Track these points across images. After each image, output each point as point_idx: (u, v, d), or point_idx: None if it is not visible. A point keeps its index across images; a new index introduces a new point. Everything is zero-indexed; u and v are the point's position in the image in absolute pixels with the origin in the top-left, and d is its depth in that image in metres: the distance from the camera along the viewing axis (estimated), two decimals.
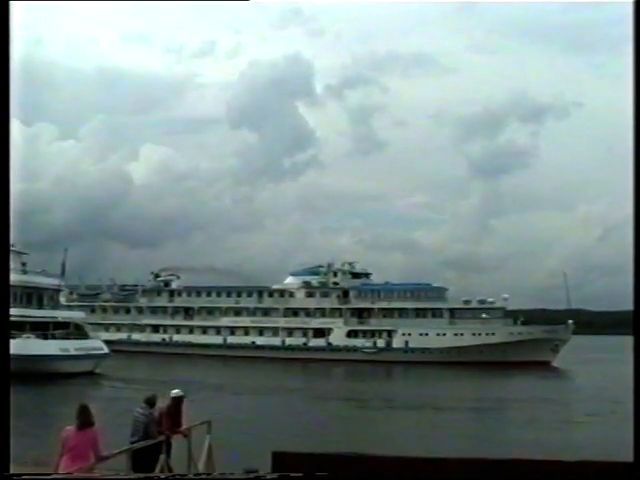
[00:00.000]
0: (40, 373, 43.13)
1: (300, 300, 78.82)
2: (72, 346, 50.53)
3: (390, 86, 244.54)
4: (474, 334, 69.35)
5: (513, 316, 73.83)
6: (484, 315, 71.29)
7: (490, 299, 72.70)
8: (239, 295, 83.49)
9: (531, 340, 67.73)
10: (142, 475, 8.70)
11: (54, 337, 51.31)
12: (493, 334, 69.02)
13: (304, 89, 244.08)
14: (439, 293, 75.10)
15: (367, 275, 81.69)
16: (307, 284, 79.27)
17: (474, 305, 72.57)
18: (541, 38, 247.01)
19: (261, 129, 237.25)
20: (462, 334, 69.72)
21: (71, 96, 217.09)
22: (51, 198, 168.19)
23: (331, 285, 78.31)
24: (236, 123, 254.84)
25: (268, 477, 6.04)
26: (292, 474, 5.70)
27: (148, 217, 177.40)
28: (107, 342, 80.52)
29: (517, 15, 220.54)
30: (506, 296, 73.31)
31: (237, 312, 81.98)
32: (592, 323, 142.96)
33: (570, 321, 69.42)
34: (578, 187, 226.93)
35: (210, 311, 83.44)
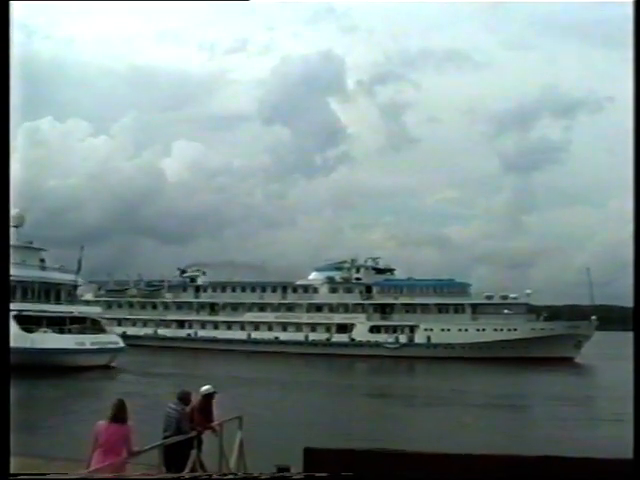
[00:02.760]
0: (56, 366, 43.77)
1: (323, 296, 78.59)
2: (88, 340, 51.17)
3: (422, 82, 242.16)
4: (496, 330, 68.55)
5: (537, 312, 72.94)
6: (506, 311, 70.25)
7: (513, 295, 71.79)
8: (263, 291, 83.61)
9: (553, 336, 66.74)
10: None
11: (70, 331, 51.81)
12: (515, 330, 68.17)
13: (336, 85, 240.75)
14: (462, 289, 74.38)
15: (391, 271, 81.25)
16: (330, 280, 78.92)
17: (496, 301, 71.69)
18: (574, 33, 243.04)
19: (293, 125, 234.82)
20: (484, 330, 68.96)
21: (104, 93, 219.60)
22: (84, 194, 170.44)
23: (354, 281, 78.00)
24: (268, 119, 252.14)
25: (294, 477, 5.98)
26: (318, 474, 5.61)
27: (180, 213, 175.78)
28: (134, 337, 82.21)
29: (550, 11, 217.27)
30: (529, 291, 72.33)
31: (261, 308, 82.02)
32: (623, 319, 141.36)
33: (593, 317, 68.22)
34: (610, 182, 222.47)
35: (235, 307, 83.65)
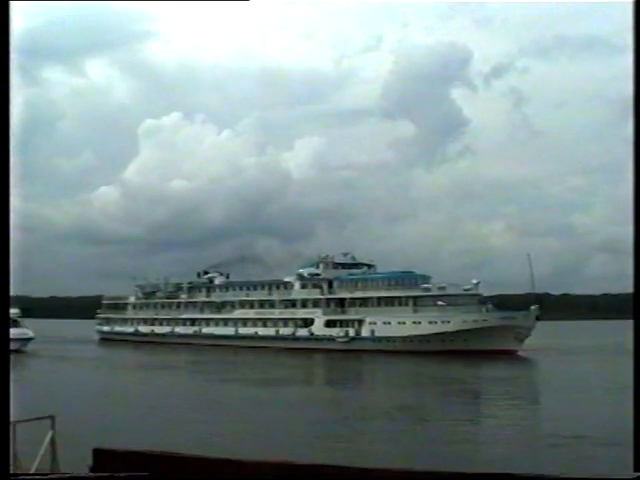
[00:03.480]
0: None
1: (296, 292, 78.45)
2: None
3: (552, 70, 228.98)
4: (431, 322, 65.56)
5: (487, 302, 67.34)
6: (439, 302, 65.92)
7: (467, 286, 67.10)
8: (263, 288, 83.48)
9: (488, 328, 62.46)
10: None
11: None
12: (448, 322, 64.71)
13: (460, 76, 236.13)
14: (414, 281, 70.32)
15: (369, 266, 78.50)
16: (300, 276, 78.78)
17: (435, 292, 67.54)
18: None
19: (416, 119, 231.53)
20: (420, 322, 66.12)
21: (233, 94, 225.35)
22: (209, 195, 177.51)
23: (322, 276, 77.16)
24: (391, 113, 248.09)
25: (89, 476, 6.10)
26: (115, 474, 5.75)
27: (302, 211, 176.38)
28: (156, 335, 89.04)
29: None
30: (475, 281, 67.61)
31: (251, 305, 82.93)
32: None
33: (533, 307, 63.61)
34: None
35: (233, 304, 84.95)
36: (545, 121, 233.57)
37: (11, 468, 9.00)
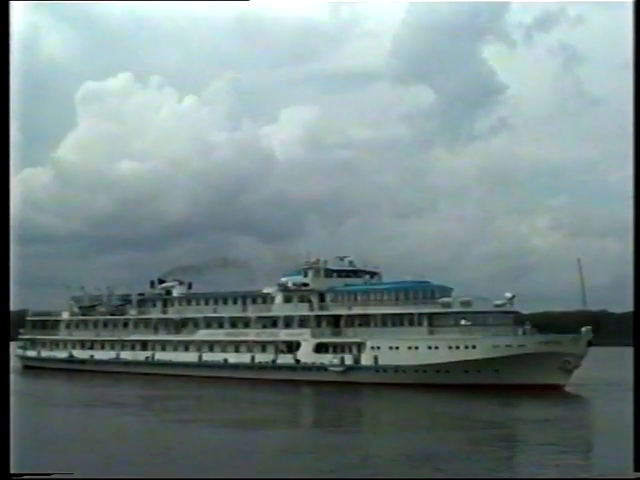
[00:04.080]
0: None
1: (278, 307, 77.80)
2: None
3: (615, 19, 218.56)
4: (451, 347, 64.20)
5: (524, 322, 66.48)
6: (463, 321, 64.68)
7: (499, 301, 65.97)
8: (235, 302, 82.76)
9: (526, 355, 61.38)
10: None
11: None
12: (474, 347, 63.33)
13: (494, 29, 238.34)
14: (429, 294, 69.01)
15: (372, 274, 77.84)
16: (283, 287, 77.83)
17: (457, 308, 66.09)
18: None
19: (436, 84, 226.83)
20: (437, 348, 64.82)
21: (200, 51, 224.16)
22: (167, 181, 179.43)
23: (311, 287, 76.39)
24: (404, 76, 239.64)
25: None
26: None
27: (290, 201, 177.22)
28: (97, 362, 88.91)
29: None
30: (509, 295, 66.39)
31: (220, 323, 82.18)
32: None
33: (585, 328, 62.07)
34: None
35: (196, 323, 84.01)
36: (604, 87, 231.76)
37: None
